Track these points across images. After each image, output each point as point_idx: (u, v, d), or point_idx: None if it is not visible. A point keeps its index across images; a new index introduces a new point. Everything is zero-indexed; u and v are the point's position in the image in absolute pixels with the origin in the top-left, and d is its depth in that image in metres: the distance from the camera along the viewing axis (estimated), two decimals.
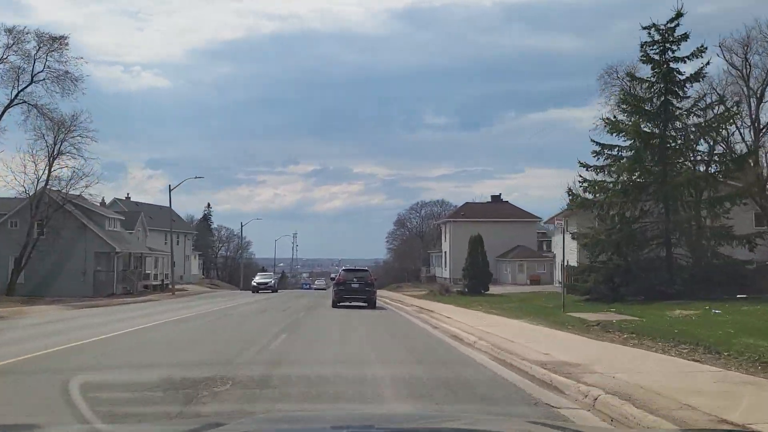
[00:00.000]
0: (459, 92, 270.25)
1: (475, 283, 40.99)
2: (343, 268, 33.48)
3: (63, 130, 41.00)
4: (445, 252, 70.33)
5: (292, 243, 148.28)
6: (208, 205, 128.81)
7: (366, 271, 30.78)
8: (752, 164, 33.19)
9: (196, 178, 52.60)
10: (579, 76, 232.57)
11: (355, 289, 28.03)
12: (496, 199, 72.68)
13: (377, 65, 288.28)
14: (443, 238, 71.67)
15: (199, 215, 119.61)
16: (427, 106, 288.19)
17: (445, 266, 70.07)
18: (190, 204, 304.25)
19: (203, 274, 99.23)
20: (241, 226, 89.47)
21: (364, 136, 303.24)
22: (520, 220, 67.99)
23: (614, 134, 30.04)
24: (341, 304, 27.68)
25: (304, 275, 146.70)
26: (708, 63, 29.63)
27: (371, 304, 27.74)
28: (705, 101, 31.08)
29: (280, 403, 7.58)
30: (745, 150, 34.48)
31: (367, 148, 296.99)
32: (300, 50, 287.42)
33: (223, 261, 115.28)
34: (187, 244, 78.31)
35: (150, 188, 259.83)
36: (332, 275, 39.71)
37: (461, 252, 66.35)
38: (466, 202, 72.22)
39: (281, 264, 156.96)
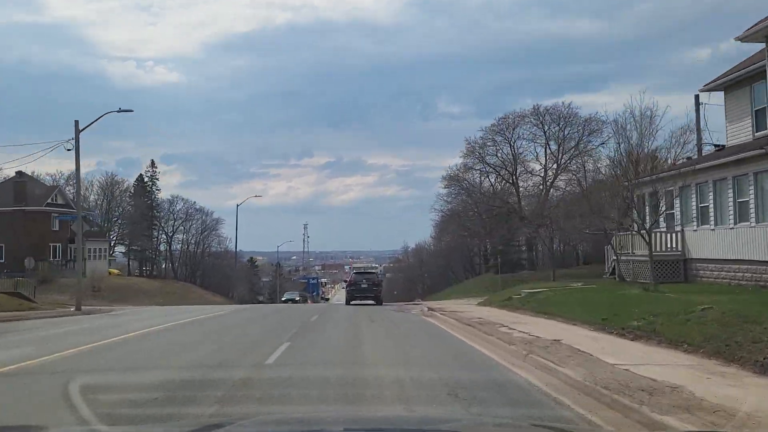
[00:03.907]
0: (474, 80, 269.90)
1: None
2: (354, 271, 38.09)
3: None
4: None
5: (303, 235, 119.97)
6: (152, 163, 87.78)
7: (374, 273, 35.32)
8: None
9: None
10: (597, 61, 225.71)
11: (364, 288, 31.01)
12: None
13: (391, 55, 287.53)
14: None
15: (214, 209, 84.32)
16: (442, 94, 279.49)
17: None
18: (205, 198, 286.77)
19: (111, 267, 66.49)
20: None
21: (378, 126, 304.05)
22: None
23: None
24: (353, 302, 30.29)
25: (316, 268, 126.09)
26: None
27: (378, 302, 30.65)
28: None
29: None
30: None
31: (380, 139, 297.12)
32: (313, 41, 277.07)
33: (187, 250, 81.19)
34: None
35: (165, 184, 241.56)
36: (343, 281, 40.35)
37: None
38: None
39: (294, 257, 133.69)
